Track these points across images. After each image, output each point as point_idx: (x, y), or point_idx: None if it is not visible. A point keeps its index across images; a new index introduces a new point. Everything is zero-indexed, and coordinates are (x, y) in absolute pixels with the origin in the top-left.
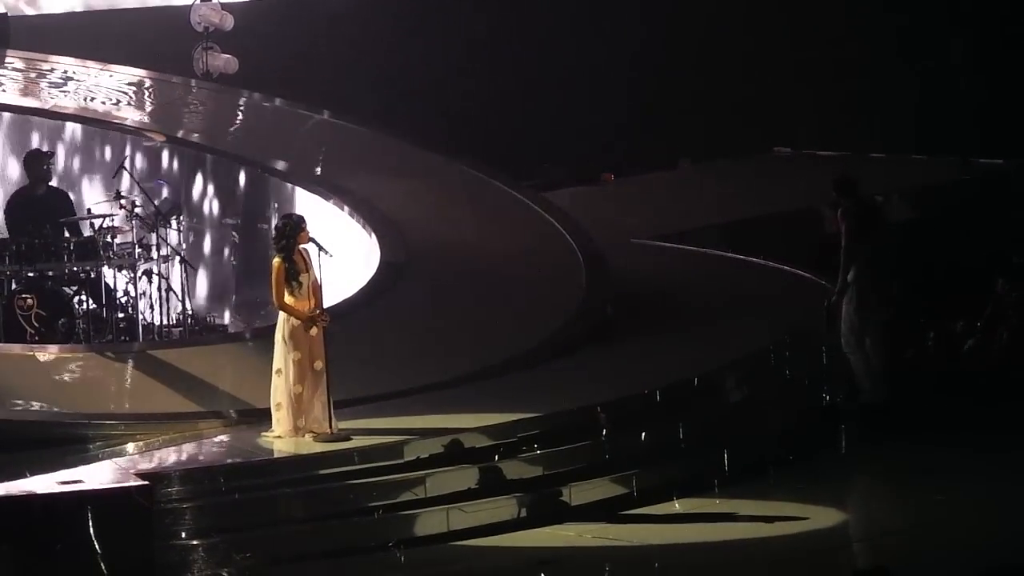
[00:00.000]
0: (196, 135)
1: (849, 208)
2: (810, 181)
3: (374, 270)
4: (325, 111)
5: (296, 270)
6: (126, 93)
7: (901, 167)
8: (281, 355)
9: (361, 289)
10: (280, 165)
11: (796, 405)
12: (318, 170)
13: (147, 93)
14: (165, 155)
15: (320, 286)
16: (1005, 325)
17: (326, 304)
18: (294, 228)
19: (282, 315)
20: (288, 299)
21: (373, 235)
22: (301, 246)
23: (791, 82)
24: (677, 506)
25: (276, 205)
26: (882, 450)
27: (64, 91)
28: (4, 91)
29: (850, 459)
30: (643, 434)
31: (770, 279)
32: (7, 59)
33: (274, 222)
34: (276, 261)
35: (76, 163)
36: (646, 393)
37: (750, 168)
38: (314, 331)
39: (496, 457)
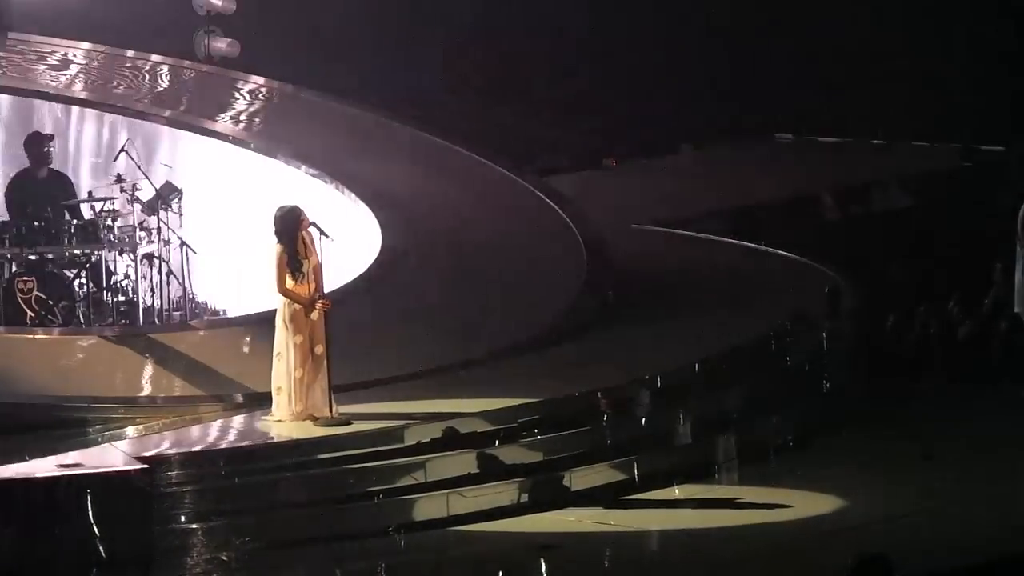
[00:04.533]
0: (199, 119)
1: None
2: (811, 168)
3: (376, 254)
4: (329, 95)
5: (298, 258)
6: (127, 76)
7: (901, 154)
8: (282, 339)
9: (363, 273)
10: (284, 148)
11: (797, 391)
12: (321, 153)
13: (148, 76)
14: (167, 138)
15: (321, 270)
16: (1004, 315)
17: (327, 288)
18: (294, 220)
19: (283, 299)
20: (289, 283)
21: (376, 219)
22: (303, 231)
23: (793, 68)
24: (677, 492)
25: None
26: (882, 436)
27: (64, 74)
28: (5, 73)
29: (851, 445)
30: (644, 419)
31: (771, 265)
32: (8, 42)
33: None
34: (278, 248)
35: (76, 146)
36: (647, 379)
37: (752, 154)
38: (315, 315)
39: (496, 442)
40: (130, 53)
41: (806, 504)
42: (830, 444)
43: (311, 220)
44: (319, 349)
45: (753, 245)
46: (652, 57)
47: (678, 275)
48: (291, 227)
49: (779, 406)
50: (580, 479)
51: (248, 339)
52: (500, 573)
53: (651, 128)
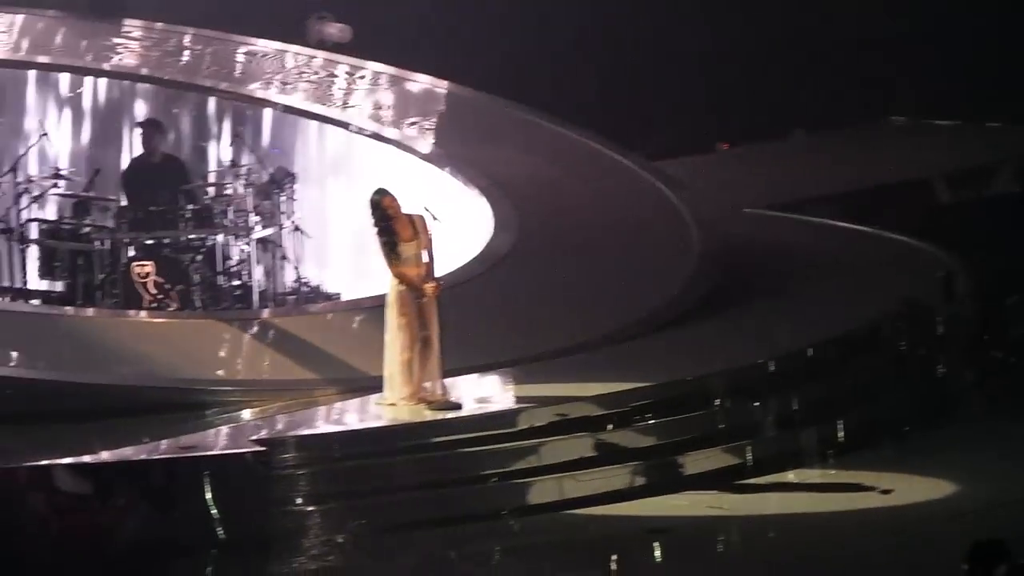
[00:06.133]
0: (310, 104)
1: None
2: (924, 150)
3: (488, 238)
4: (436, 78)
5: (394, 241)
6: (239, 62)
7: (1017, 136)
8: (391, 322)
9: (474, 257)
10: (394, 132)
11: (911, 376)
12: (433, 136)
13: (260, 62)
14: (279, 123)
15: (433, 253)
16: None
17: (439, 272)
18: (377, 205)
19: (392, 282)
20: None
21: (488, 203)
22: (413, 214)
23: (905, 49)
24: (791, 476)
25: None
26: (997, 423)
27: (179, 60)
28: (121, 59)
29: (966, 431)
30: (756, 404)
31: (883, 249)
32: (124, 28)
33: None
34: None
35: (189, 131)
36: (760, 363)
37: (864, 138)
38: (425, 298)
39: (609, 426)
40: (243, 39)
41: (921, 489)
42: (945, 429)
43: (423, 204)
44: (429, 332)
45: (865, 229)
46: (765, 41)
47: (790, 259)
48: (376, 211)
49: (893, 391)
50: (693, 463)
51: (362, 323)
52: (613, 557)
53: (763, 112)
